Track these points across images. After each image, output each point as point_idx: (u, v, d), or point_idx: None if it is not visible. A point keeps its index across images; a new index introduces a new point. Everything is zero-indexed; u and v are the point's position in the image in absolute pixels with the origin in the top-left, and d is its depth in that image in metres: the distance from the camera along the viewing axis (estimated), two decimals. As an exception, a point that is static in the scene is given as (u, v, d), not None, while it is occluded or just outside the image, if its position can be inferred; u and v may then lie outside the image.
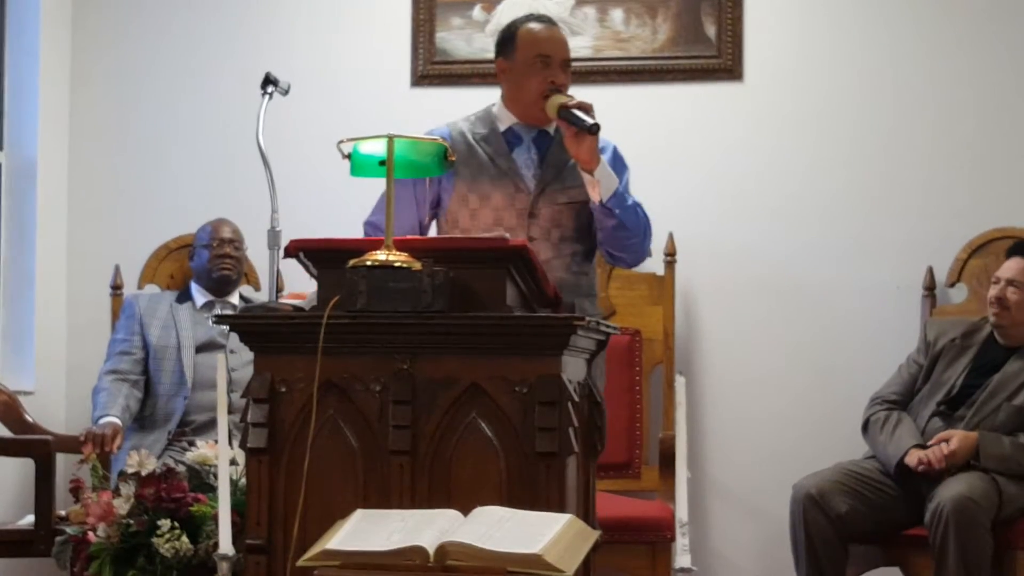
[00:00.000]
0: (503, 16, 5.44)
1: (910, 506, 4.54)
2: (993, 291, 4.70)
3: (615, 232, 3.92)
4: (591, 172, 3.86)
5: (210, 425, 4.88)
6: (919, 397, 4.74)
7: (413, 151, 3.56)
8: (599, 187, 3.86)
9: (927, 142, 5.32)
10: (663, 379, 5.21)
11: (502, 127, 4.04)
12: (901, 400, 4.76)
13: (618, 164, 4.03)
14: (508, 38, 4.04)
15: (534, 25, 4.02)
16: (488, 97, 4.19)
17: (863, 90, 5.35)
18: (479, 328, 3.27)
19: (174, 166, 5.66)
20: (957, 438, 4.50)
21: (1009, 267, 4.71)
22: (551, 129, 4.02)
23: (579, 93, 5.39)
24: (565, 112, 3.84)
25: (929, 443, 4.53)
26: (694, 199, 5.39)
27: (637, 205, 3.96)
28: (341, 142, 3.54)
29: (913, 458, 4.51)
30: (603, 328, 3.54)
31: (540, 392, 3.24)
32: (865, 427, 4.75)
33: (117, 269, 5.45)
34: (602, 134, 3.85)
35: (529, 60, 3.97)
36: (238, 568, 3.34)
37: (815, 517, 4.49)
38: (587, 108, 3.84)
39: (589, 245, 4.03)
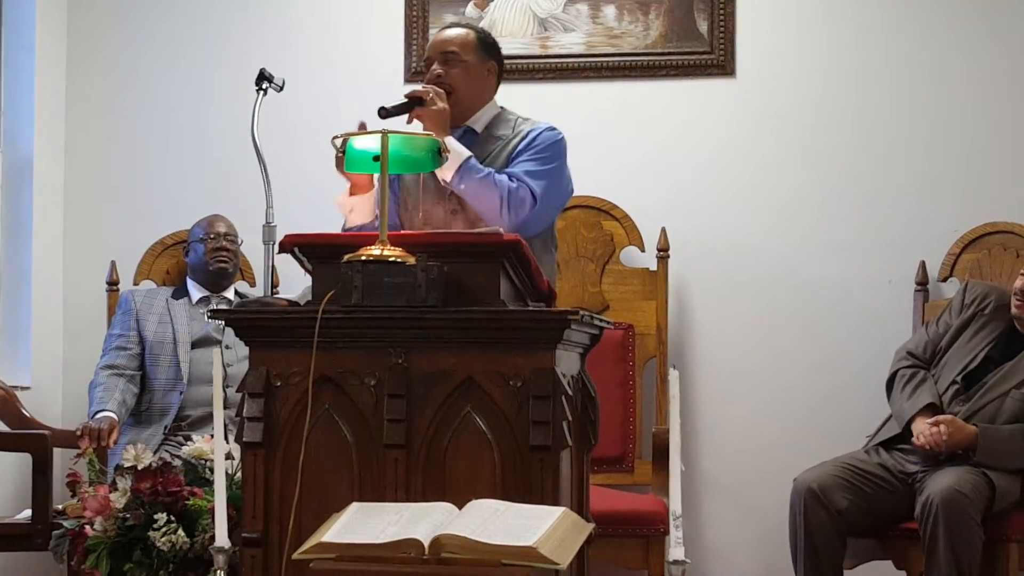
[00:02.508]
0: (496, 13, 5.46)
1: (908, 500, 4.55)
2: (1019, 283, 4.71)
3: (472, 202, 3.94)
4: None
5: (206, 420, 4.90)
6: (943, 361, 4.76)
7: (407, 147, 3.58)
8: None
9: (920, 137, 5.33)
10: (656, 373, 5.23)
11: None
12: (924, 356, 4.79)
13: (531, 144, 4.04)
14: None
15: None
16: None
17: (856, 86, 5.37)
18: (473, 322, 3.29)
19: (170, 162, 5.67)
20: (953, 429, 4.52)
21: None
22: (477, 126, 4.11)
23: (571, 89, 5.48)
24: (393, 107, 3.93)
25: (930, 421, 4.56)
26: (687, 195, 5.41)
27: (492, 174, 3.93)
28: (335, 138, 3.56)
29: (915, 428, 4.55)
30: (597, 322, 3.56)
31: (534, 386, 3.25)
32: (891, 380, 4.78)
33: (113, 265, 5.46)
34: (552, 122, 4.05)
35: (425, 67, 4.13)
36: (234, 561, 3.36)
37: (816, 511, 4.51)
38: (416, 95, 3.95)
39: (526, 234, 3.93)
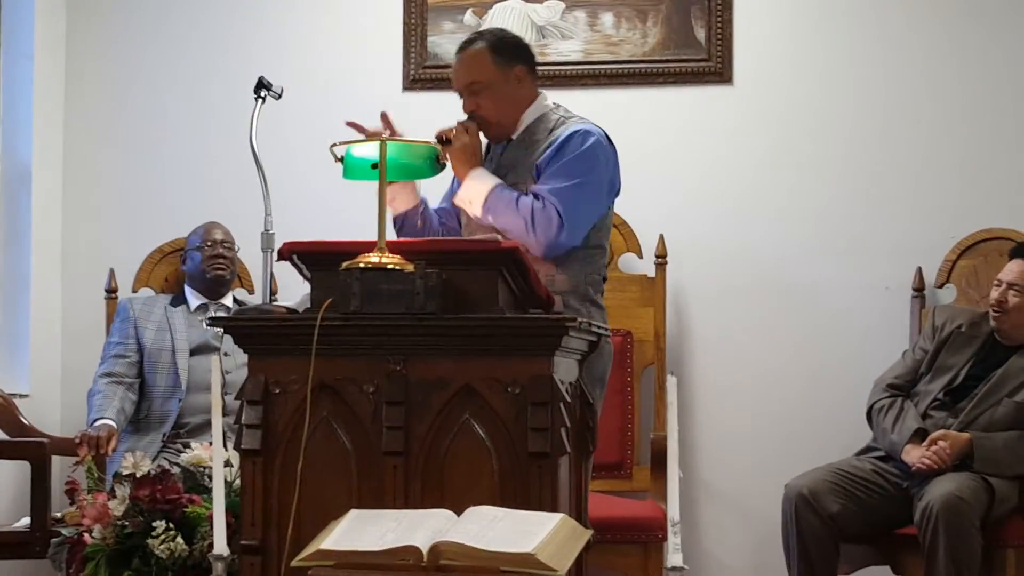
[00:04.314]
0: (494, 21, 5.47)
1: (902, 505, 4.56)
2: (994, 294, 4.71)
3: (503, 230, 3.80)
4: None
5: (205, 427, 4.90)
6: (923, 382, 4.76)
7: (405, 154, 3.58)
8: (470, 200, 3.87)
9: (917, 144, 5.34)
10: (654, 380, 5.23)
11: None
12: (905, 385, 4.78)
13: (558, 153, 3.88)
14: None
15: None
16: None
17: (853, 93, 5.37)
18: (471, 329, 3.29)
19: (168, 170, 5.68)
20: (951, 442, 4.52)
21: (1010, 270, 4.72)
22: (515, 135, 3.98)
23: (569, 97, 5.46)
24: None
25: (925, 444, 4.56)
26: (684, 202, 5.41)
27: (516, 199, 3.81)
28: (334, 145, 3.56)
29: (912, 456, 4.54)
30: (594, 329, 3.57)
31: (532, 393, 3.25)
32: (869, 413, 4.78)
33: (112, 273, 5.46)
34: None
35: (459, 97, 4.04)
36: (233, 569, 3.36)
37: (807, 517, 4.51)
38: (442, 134, 3.89)
39: (565, 249, 3.87)
